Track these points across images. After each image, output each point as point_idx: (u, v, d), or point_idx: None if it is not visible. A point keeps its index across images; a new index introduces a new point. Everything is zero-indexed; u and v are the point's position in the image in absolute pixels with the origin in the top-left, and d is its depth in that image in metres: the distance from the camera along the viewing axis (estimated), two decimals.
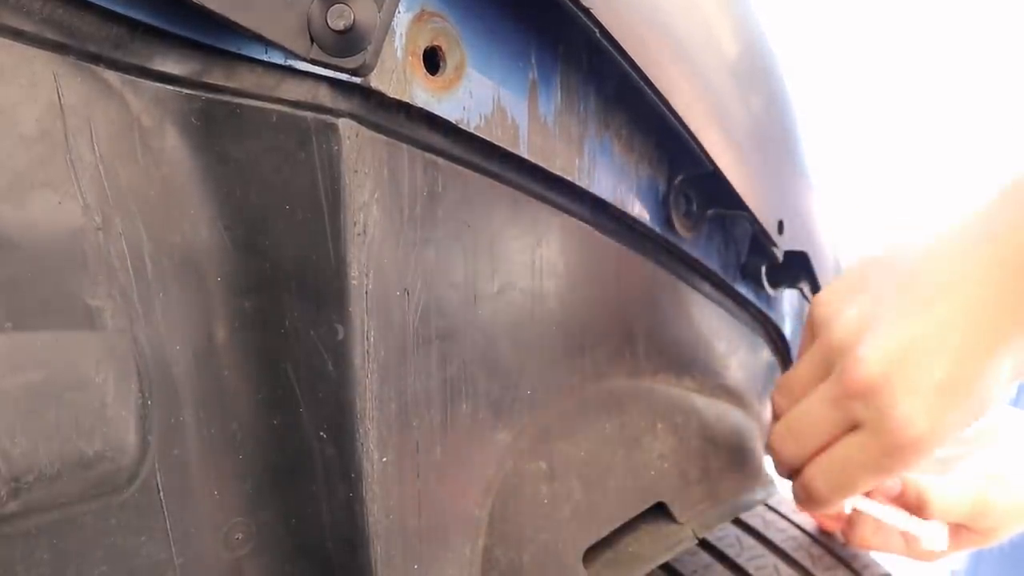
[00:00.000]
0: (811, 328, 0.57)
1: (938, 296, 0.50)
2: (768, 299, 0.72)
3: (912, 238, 0.55)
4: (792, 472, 0.59)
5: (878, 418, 0.51)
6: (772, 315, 0.72)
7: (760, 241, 0.58)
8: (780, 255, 0.60)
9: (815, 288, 0.68)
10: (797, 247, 0.61)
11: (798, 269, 0.65)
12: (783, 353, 0.78)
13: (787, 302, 0.77)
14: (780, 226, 0.58)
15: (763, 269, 0.64)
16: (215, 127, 0.32)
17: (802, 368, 0.58)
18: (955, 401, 0.50)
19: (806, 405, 0.55)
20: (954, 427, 0.51)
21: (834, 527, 0.73)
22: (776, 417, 0.60)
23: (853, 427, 0.53)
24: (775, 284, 0.66)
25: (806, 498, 0.58)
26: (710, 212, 0.56)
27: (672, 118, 0.44)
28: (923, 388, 0.50)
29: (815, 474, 0.56)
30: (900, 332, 0.50)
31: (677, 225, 0.53)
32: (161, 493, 0.31)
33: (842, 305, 0.54)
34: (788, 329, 0.77)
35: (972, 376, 0.50)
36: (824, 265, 0.68)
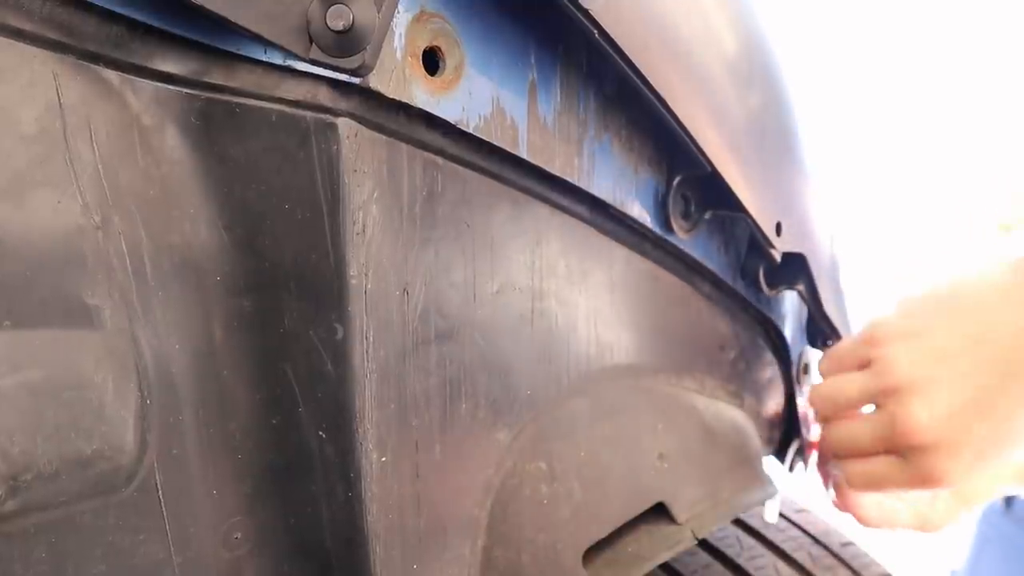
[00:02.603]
0: (866, 345, 0.62)
1: (993, 371, 0.56)
2: (767, 300, 0.72)
3: (976, 284, 0.60)
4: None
5: (917, 463, 0.58)
6: (771, 316, 0.72)
7: (758, 242, 0.58)
8: (778, 256, 0.60)
9: (812, 290, 0.68)
10: (795, 249, 0.61)
11: (796, 270, 0.66)
12: (782, 353, 0.78)
13: (786, 303, 0.77)
14: (778, 228, 0.58)
15: (761, 270, 0.64)
16: (215, 127, 0.32)
17: (852, 386, 0.63)
18: (988, 458, 0.58)
19: (855, 429, 0.63)
20: (983, 471, 0.59)
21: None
22: (814, 409, 0.68)
23: (892, 451, 0.60)
24: (773, 285, 0.66)
25: (842, 488, 0.67)
26: (708, 214, 0.56)
27: (670, 119, 0.44)
28: (963, 450, 0.57)
29: (853, 475, 0.64)
30: (953, 399, 0.56)
31: (675, 226, 0.53)
32: (160, 492, 0.31)
33: (905, 344, 0.60)
34: (787, 329, 0.77)
35: (1009, 435, 0.57)
36: (821, 267, 0.68)
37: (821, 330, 0.76)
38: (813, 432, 0.84)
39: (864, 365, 0.63)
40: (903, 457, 0.59)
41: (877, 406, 0.61)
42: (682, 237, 0.55)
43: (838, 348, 0.68)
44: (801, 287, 0.68)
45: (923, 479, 0.59)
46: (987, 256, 0.62)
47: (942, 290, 0.61)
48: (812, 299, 0.70)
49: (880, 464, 0.62)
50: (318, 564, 0.36)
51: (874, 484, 0.64)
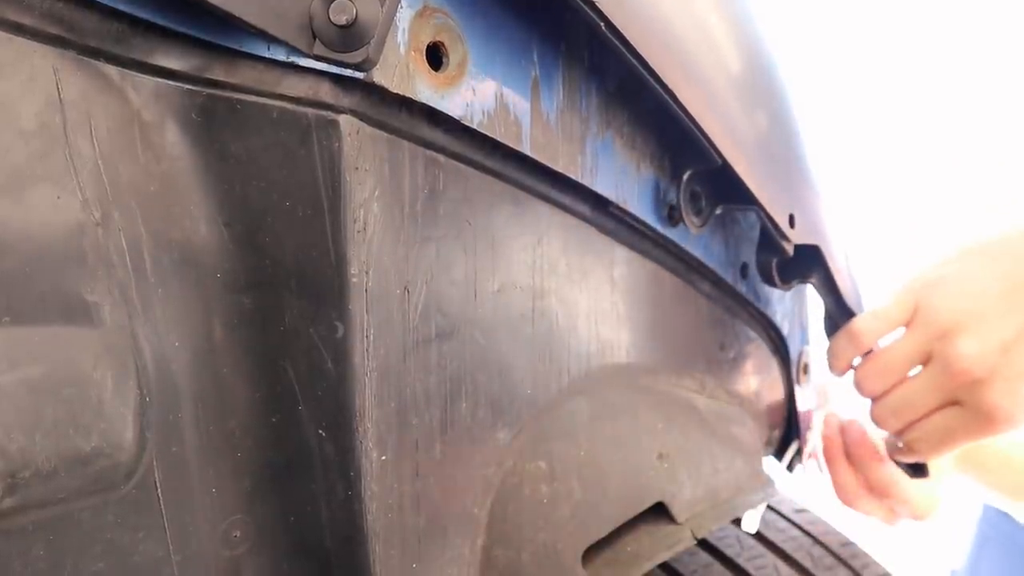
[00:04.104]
0: (904, 300, 0.63)
1: None
2: (767, 299, 0.71)
3: (1006, 237, 0.61)
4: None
5: (977, 402, 0.58)
6: (770, 314, 0.72)
7: (771, 236, 0.58)
8: (791, 249, 0.59)
9: (830, 282, 0.68)
10: (809, 240, 0.61)
11: (810, 263, 0.65)
12: (782, 353, 0.78)
13: (786, 302, 0.77)
14: (791, 220, 0.57)
15: (774, 264, 0.64)
16: (216, 123, 0.31)
17: (900, 350, 0.63)
18: None
19: (910, 390, 0.63)
20: None
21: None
22: (866, 392, 0.67)
23: (951, 402, 0.61)
24: (786, 280, 0.66)
25: (910, 455, 0.67)
26: (719, 209, 0.56)
27: (678, 111, 0.44)
28: (1017, 379, 0.57)
29: (918, 438, 0.64)
30: (1002, 333, 0.57)
31: (687, 221, 0.53)
32: (159, 490, 0.31)
33: (943, 289, 0.60)
34: (787, 329, 0.77)
35: None
36: (836, 258, 0.67)
37: (838, 325, 0.76)
38: (813, 439, 0.84)
39: (905, 322, 0.63)
40: (963, 405, 0.59)
41: (927, 363, 0.61)
42: (694, 232, 0.55)
43: (878, 309, 0.67)
44: (815, 280, 0.67)
45: (986, 421, 0.59)
46: (977, 234, 0.63)
47: (973, 245, 0.62)
48: (829, 291, 0.69)
49: (942, 418, 0.62)
50: (317, 563, 0.36)
51: (940, 441, 0.63)
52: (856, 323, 0.67)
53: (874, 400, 0.67)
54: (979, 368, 0.57)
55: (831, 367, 0.72)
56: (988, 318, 0.57)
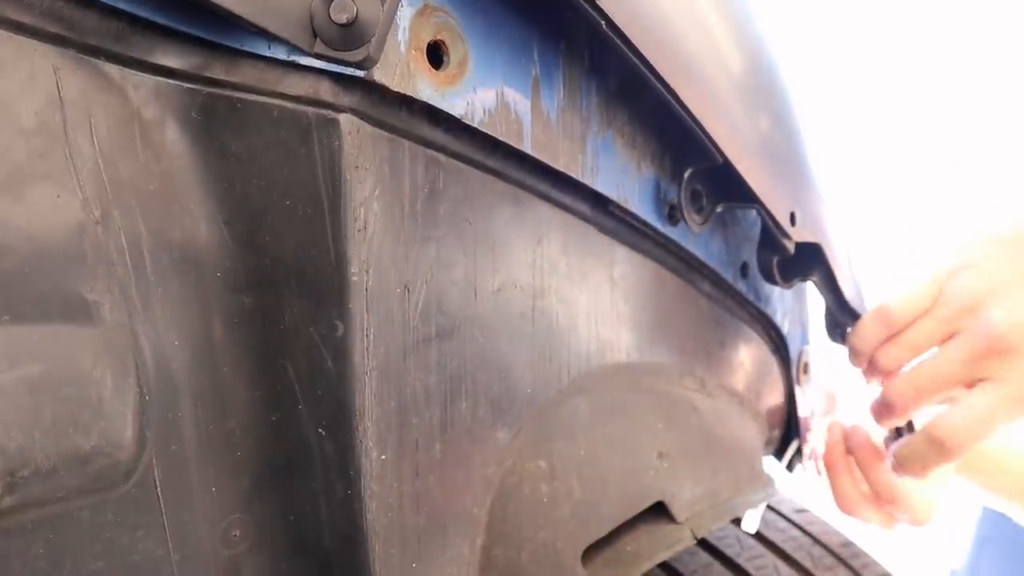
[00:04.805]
0: (931, 284, 0.63)
1: None
2: (767, 298, 0.71)
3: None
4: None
5: (1011, 375, 0.57)
6: (770, 314, 0.72)
7: (771, 235, 0.58)
8: (792, 247, 0.59)
9: (831, 280, 0.67)
10: (810, 239, 0.61)
11: (811, 261, 0.65)
12: (782, 352, 0.78)
13: (786, 302, 0.77)
14: (792, 218, 0.57)
15: (775, 263, 0.64)
16: (216, 121, 0.31)
17: (924, 326, 0.63)
18: None
19: (935, 362, 0.62)
20: None
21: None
22: (885, 365, 0.66)
23: (978, 379, 0.60)
24: (787, 278, 0.66)
25: (938, 451, 0.63)
26: (720, 207, 0.56)
27: (679, 110, 0.43)
28: None
29: (952, 425, 0.61)
30: None
31: (688, 220, 0.53)
32: (158, 489, 0.31)
33: (968, 270, 0.60)
34: (787, 328, 0.77)
35: None
36: (837, 256, 0.67)
37: (839, 323, 0.76)
38: (814, 439, 0.84)
39: (931, 306, 0.63)
40: (994, 380, 0.59)
41: (950, 339, 0.61)
42: (695, 231, 0.54)
43: (905, 293, 0.66)
44: (816, 278, 0.67)
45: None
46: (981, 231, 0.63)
47: (992, 230, 0.62)
48: (831, 289, 0.69)
49: (977, 398, 0.60)
50: (317, 562, 0.36)
51: (977, 424, 0.61)
52: (886, 305, 0.67)
53: (892, 379, 0.67)
54: (1014, 334, 0.57)
55: (857, 351, 0.71)
56: (1013, 293, 0.57)
